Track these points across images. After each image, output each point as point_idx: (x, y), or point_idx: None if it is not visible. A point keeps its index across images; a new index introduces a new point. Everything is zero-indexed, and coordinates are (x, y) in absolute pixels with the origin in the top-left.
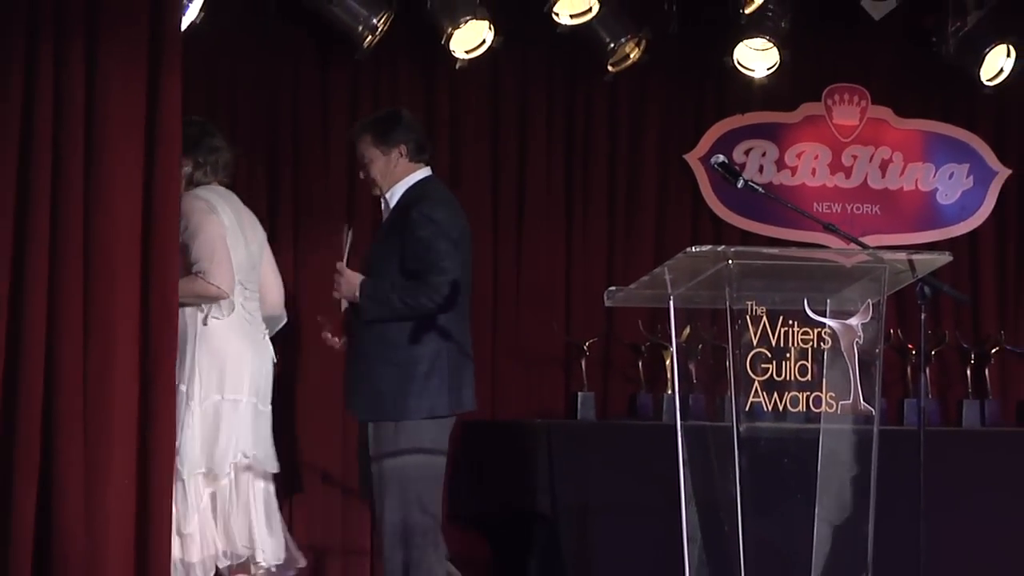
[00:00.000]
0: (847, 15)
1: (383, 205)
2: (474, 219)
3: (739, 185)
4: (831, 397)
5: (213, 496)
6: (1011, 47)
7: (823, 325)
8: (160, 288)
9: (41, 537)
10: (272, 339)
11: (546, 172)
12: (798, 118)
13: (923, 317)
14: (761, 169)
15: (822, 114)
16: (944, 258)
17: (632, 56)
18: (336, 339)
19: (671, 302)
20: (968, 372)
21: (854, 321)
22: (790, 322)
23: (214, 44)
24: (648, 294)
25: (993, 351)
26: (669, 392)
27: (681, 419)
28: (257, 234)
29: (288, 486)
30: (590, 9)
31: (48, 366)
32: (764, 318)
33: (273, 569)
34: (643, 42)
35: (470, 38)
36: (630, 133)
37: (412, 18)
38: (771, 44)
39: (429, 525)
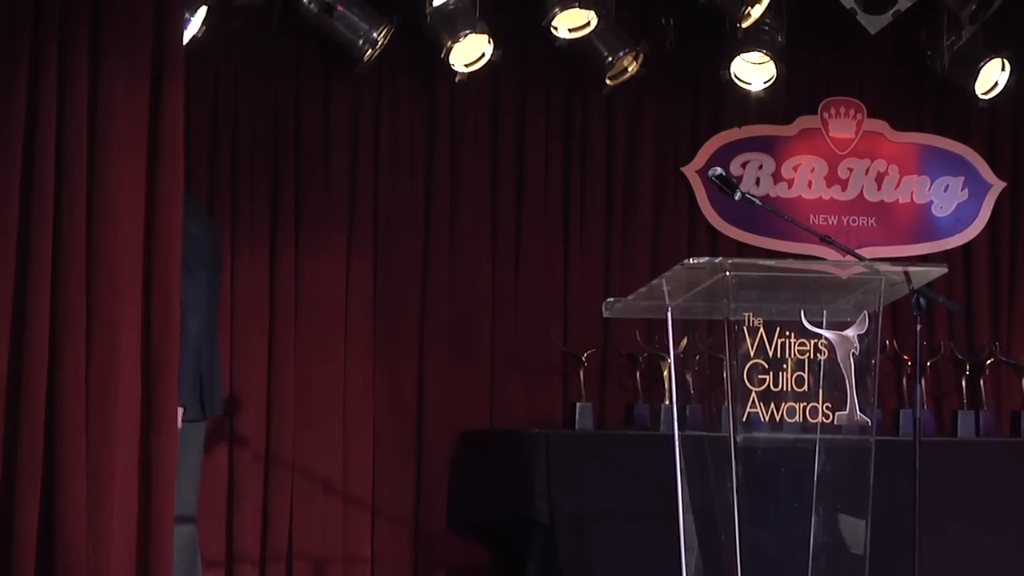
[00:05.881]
0: (843, 29)
1: None
2: (473, 230)
3: (736, 197)
4: (827, 407)
5: None
6: (1005, 61)
7: (820, 336)
8: (162, 297)
9: (44, 546)
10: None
11: (544, 184)
12: (794, 131)
13: (918, 328)
14: (758, 181)
15: (818, 127)
16: (940, 270)
17: (630, 69)
18: None
19: (668, 313)
20: (963, 383)
21: (850, 332)
22: (787, 333)
23: (217, 57)
24: (646, 305)
25: (987, 362)
26: (666, 402)
27: (679, 429)
28: None
29: (289, 492)
30: (588, 23)
31: (51, 375)
32: (761, 329)
33: None
34: (640, 56)
35: (469, 52)
36: (627, 145)
37: (412, 32)
38: (767, 58)
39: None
